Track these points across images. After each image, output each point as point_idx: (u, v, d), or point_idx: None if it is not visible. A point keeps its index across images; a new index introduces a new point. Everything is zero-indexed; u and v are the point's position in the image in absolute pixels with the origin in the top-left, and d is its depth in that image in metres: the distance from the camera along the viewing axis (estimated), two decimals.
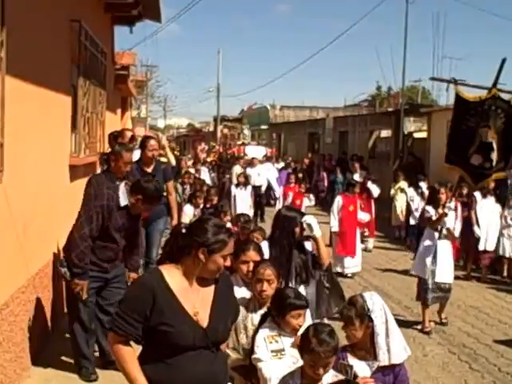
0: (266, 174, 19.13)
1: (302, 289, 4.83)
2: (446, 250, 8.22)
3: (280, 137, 37.56)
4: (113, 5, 10.88)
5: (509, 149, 7.65)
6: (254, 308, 4.28)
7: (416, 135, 22.97)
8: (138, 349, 3.24)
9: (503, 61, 7.55)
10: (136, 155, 8.45)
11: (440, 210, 8.12)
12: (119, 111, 16.88)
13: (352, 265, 11.33)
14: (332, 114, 32.12)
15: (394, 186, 15.72)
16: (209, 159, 26.63)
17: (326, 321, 4.88)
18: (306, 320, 4.06)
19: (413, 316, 8.79)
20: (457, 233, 8.87)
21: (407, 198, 14.48)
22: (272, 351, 3.89)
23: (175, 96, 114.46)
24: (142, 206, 5.64)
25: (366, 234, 13.74)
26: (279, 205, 14.55)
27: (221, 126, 44.91)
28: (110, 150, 6.77)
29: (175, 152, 22.88)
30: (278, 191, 17.01)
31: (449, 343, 7.65)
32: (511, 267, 11.46)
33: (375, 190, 14.34)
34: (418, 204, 13.65)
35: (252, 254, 4.51)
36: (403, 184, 15.41)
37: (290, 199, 14.06)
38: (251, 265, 4.42)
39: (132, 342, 3.18)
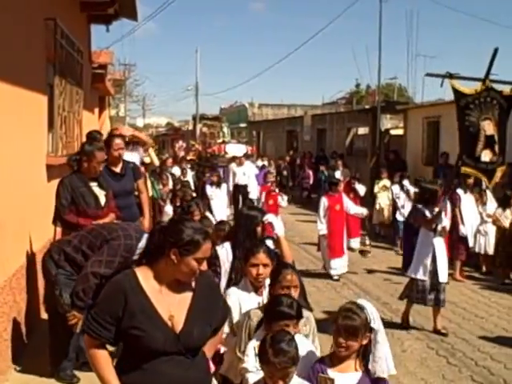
0: (251, 173, 18.77)
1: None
2: (442, 249, 8.09)
3: (259, 135, 37.59)
4: (88, 3, 10.80)
5: (504, 141, 7.58)
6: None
7: (392, 132, 23.17)
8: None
9: (495, 51, 7.43)
10: (135, 157, 8.41)
11: (437, 208, 7.98)
12: (97, 110, 16.78)
13: (339, 266, 11.01)
14: (310, 112, 32.25)
15: (377, 184, 15.61)
16: (188, 158, 26.50)
17: None
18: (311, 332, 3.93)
19: (392, 312, 8.86)
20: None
21: (392, 196, 14.40)
22: None
23: (154, 95, 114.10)
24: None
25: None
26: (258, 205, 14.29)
27: (200, 124, 44.78)
28: (78, 150, 6.63)
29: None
30: (256, 190, 16.75)
31: (427, 338, 7.72)
32: (487, 263, 11.60)
33: (362, 190, 14.30)
34: (403, 201, 13.67)
35: (262, 257, 4.36)
36: (386, 182, 15.34)
37: (263, 199, 13.78)
38: (261, 268, 4.31)
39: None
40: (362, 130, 25.37)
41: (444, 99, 20.28)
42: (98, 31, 18.54)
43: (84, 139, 9.75)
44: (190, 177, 17.33)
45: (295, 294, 4.05)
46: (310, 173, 23.42)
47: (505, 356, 7.17)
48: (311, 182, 23.44)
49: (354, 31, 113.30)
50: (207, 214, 8.45)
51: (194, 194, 13.39)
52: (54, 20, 8.00)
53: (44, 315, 6.46)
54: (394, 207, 14.42)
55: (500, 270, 11.15)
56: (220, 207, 13.76)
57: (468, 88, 7.56)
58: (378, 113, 22.07)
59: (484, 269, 11.67)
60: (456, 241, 11.17)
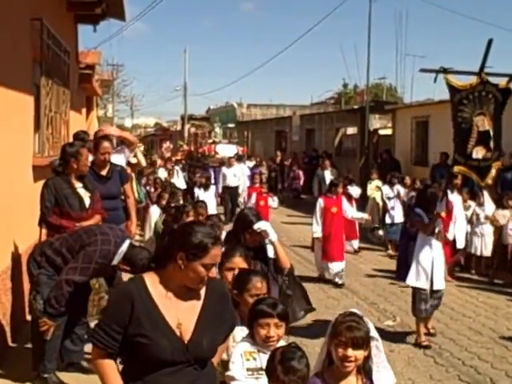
0: (241, 175, 18.62)
1: None
2: (440, 255, 7.67)
3: (247, 135, 37.56)
4: (75, 3, 10.76)
5: (499, 135, 7.34)
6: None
7: (381, 132, 23.22)
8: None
9: (489, 42, 7.19)
10: (121, 158, 8.33)
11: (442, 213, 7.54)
12: (84, 111, 16.73)
13: (335, 270, 10.49)
14: (299, 112, 32.21)
15: (369, 185, 15.40)
16: (176, 158, 26.41)
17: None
18: None
19: (379, 312, 8.88)
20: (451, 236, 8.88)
21: (382, 197, 14.21)
22: (248, 369, 3.47)
23: (142, 95, 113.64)
24: (125, 271, 5.54)
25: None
26: (242, 206, 14.32)
27: (188, 124, 44.77)
28: (60, 155, 6.57)
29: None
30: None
31: (414, 338, 7.73)
32: (479, 264, 11.47)
33: (356, 192, 14.05)
34: (393, 203, 13.59)
35: (239, 261, 4.23)
36: (378, 182, 15.15)
37: (253, 200, 13.54)
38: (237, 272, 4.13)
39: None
40: (351, 130, 25.40)
41: (433, 99, 20.37)
42: (86, 31, 18.42)
43: (71, 140, 9.71)
44: (181, 178, 17.22)
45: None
46: (301, 173, 23.31)
47: (492, 356, 7.19)
48: (301, 182, 23.34)
49: (342, 31, 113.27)
50: None
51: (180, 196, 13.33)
52: (40, 20, 7.96)
53: (29, 317, 6.42)
54: (384, 209, 14.20)
55: (497, 272, 10.98)
56: (209, 211, 13.72)
57: (463, 82, 7.33)
58: (367, 113, 22.11)
59: (474, 271, 11.49)
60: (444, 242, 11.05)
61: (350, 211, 11.04)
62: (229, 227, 7.27)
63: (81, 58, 13.98)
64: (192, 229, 2.96)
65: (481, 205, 11.11)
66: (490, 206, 11.20)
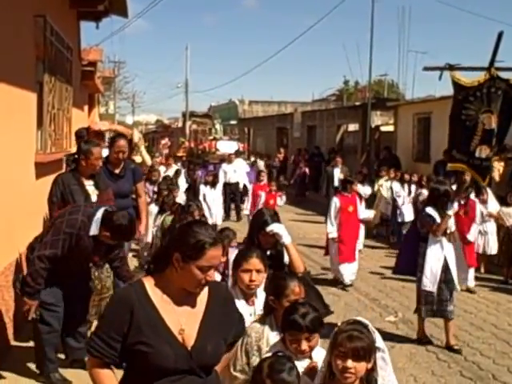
0: (242, 171, 18.37)
1: None
2: (453, 256, 7.37)
3: (249, 132, 37.55)
4: (78, 0, 10.78)
5: (504, 130, 7.09)
6: (271, 325, 3.65)
7: (383, 129, 23.21)
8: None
9: (499, 35, 6.85)
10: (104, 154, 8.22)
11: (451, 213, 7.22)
12: (86, 108, 16.74)
13: (350, 272, 10.17)
14: (300, 109, 32.19)
15: (377, 182, 15.17)
16: (179, 154, 26.35)
17: None
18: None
19: (380, 307, 8.91)
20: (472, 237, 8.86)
21: (392, 194, 14.01)
22: None
23: (143, 92, 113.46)
24: (109, 240, 5.42)
25: None
26: (247, 204, 13.92)
27: (189, 121, 44.75)
28: (76, 150, 6.62)
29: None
30: (249, 187, 16.00)
31: (416, 334, 7.74)
32: (485, 262, 11.30)
33: (366, 191, 13.83)
34: (403, 200, 13.51)
35: (256, 262, 4.02)
36: (383, 180, 14.93)
37: (262, 199, 13.15)
38: (254, 274, 3.98)
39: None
40: (352, 127, 25.38)
41: (434, 95, 20.35)
42: (88, 28, 18.45)
43: (73, 137, 9.74)
44: (182, 176, 16.99)
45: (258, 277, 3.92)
46: (307, 170, 23.14)
47: (494, 351, 7.22)
48: (307, 179, 23.13)
49: (344, 28, 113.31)
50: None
51: (183, 194, 13.21)
52: (43, 17, 7.98)
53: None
54: (394, 206, 13.95)
55: (504, 270, 10.91)
56: (215, 209, 13.43)
57: (470, 79, 6.99)
58: (369, 109, 22.09)
59: (482, 269, 11.26)
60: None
61: (361, 211, 10.68)
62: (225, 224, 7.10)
63: (83, 55, 14.00)
64: (189, 228, 2.81)
65: (484, 202, 10.82)
66: (493, 204, 11.00)
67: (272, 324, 3.63)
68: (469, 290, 9.85)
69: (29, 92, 7.52)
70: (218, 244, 2.79)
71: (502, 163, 12.49)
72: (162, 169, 17.08)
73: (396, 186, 13.91)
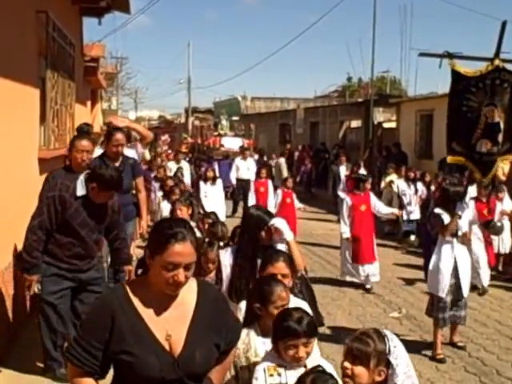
0: (254, 170, 17.46)
1: (298, 301, 3.99)
2: (465, 260, 7.01)
3: (252, 128, 37.54)
4: None
5: None
6: (257, 333, 3.53)
7: (385, 125, 23.19)
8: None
9: (503, 25, 6.54)
10: (131, 153, 7.97)
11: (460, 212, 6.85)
12: (89, 103, 16.74)
13: (372, 272, 9.75)
14: (303, 105, 32.20)
15: (384, 179, 15.04)
16: (182, 150, 26.27)
17: None
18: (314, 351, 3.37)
19: (385, 303, 8.90)
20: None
21: (398, 192, 13.79)
22: None
23: (146, 88, 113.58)
24: (100, 194, 5.28)
25: None
26: (251, 201, 13.39)
27: (192, 117, 44.78)
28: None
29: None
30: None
31: (420, 330, 7.74)
32: (500, 262, 10.97)
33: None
34: (409, 198, 13.36)
35: (282, 266, 3.87)
36: (393, 177, 14.61)
37: (279, 198, 12.61)
38: (279, 279, 3.77)
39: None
40: (355, 123, 25.37)
41: (437, 92, 20.31)
42: (90, 24, 18.39)
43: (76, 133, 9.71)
44: (187, 171, 16.75)
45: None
46: (313, 167, 23.01)
47: (498, 347, 7.21)
48: (313, 176, 22.95)
49: (346, 25, 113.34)
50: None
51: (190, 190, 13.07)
52: (45, 13, 7.97)
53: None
54: (401, 205, 13.61)
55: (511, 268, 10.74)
56: (215, 206, 12.66)
57: (471, 69, 6.64)
58: (371, 106, 22.07)
59: (500, 268, 10.95)
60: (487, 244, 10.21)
61: (380, 206, 10.20)
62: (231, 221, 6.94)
63: (85, 51, 14.00)
64: (159, 223, 2.74)
65: (500, 200, 10.39)
66: (508, 202, 10.66)
67: (257, 332, 3.51)
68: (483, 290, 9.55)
69: (31, 88, 7.51)
70: (185, 240, 2.56)
71: (507, 162, 12.33)
72: (170, 165, 16.82)
73: (402, 184, 13.72)
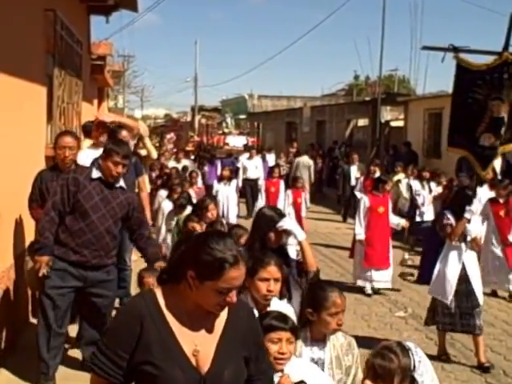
0: (262, 168, 17.51)
1: (283, 304, 3.87)
2: (475, 266, 6.75)
3: (258, 126, 37.56)
4: None
5: None
6: (305, 340, 3.48)
7: (392, 124, 23.14)
8: None
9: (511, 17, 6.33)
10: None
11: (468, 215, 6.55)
12: (96, 102, 16.76)
13: (383, 279, 9.43)
14: (309, 104, 32.14)
15: (391, 178, 14.34)
16: (187, 149, 26.29)
17: None
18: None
19: (390, 303, 8.89)
20: None
21: (411, 193, 13.52)
22: None
23: (152, 86, 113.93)
24: (114, 162, 5.23)
25: None
26: (261, 200, 13.15)
27: (199, 115, 44.84)
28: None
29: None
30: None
31: (426, 328, 7.68)
32: None
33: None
34: (423, 199, 13.16)
35: (274, 270, 3.72)
36: (401, 176, 14.35)
37: (290, 198, 12.33)
38: (272, 284, 3.66)
39: None
40: (362, 122, 25.33)
41: (447, 91, 20.20)
42: (98, 22, 18.42)
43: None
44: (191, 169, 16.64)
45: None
46: (323, 166, 22.81)
47: (504, 348, 7.19)
48: (324, 175, 22.69)
49: (355, 22, 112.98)
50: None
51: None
52: (53, 11, 7.98)
53: None
54: (412, 205, 13.40)
55: None
56: (229, 207, 12.90)
57: (477, 62, 6.49)
58: (379, 104, 22.00)
59: None
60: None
61: (390, 215, 9.76)
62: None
63: (93, 49, 14.00)
64: (206, 242, 2.40)
65: None
66: None
67: (306, 339, 3.43)
68: (510, 295, 9.29)
69: (39, 86, 7.53)
70: (240, 263, 2.39)
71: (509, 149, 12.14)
72: (170, 164, 16.82)
73: (416, 184, 13.46)
